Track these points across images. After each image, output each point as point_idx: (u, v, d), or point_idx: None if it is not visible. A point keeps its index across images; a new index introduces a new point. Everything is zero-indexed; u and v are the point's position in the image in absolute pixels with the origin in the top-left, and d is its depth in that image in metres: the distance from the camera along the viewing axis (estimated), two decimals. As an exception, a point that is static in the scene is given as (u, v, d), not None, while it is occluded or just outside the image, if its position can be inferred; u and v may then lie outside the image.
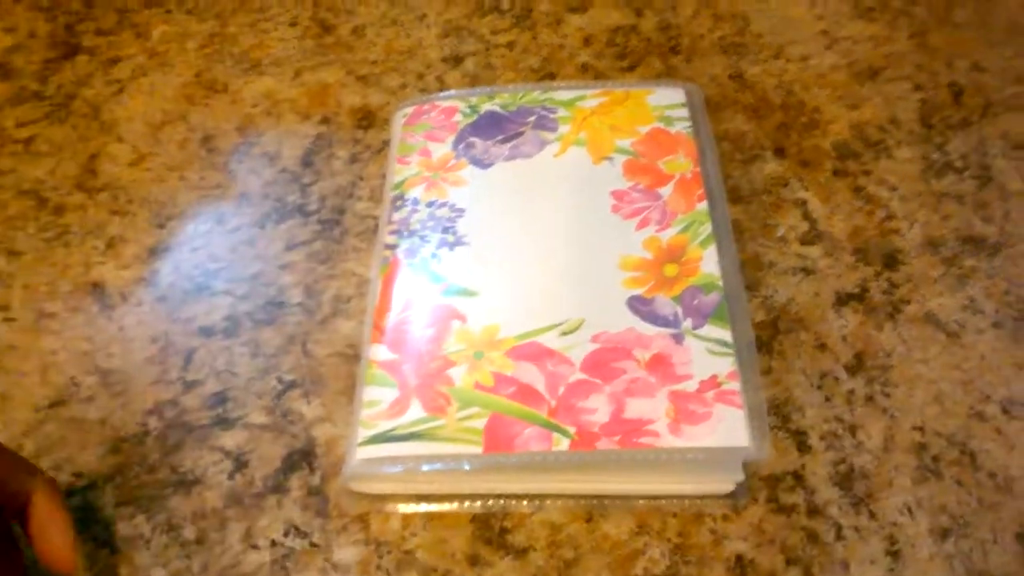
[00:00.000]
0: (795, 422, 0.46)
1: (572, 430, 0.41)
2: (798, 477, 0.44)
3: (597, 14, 0.67)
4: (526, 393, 0.42)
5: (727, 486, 0.43)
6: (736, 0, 0.68)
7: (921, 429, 0.46)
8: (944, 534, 0.42)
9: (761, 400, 0.41)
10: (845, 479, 0.44)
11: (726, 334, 0.43)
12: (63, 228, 0.55)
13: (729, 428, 0.40)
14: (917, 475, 0.44)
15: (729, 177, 0.56)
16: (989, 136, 0.58)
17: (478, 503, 0.43)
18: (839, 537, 0.42)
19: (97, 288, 0.52)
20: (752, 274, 0.51)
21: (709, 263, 0.46)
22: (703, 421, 0.41)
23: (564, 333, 0.44)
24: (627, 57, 0.64)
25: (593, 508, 0.43)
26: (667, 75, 0.62)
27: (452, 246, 0.48)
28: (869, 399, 0.47)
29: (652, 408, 0.41)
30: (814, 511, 0.43)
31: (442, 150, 0.53)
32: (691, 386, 0.42)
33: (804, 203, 0.55)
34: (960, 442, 0.45)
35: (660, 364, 0.43)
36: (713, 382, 0.42)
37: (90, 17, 0.69)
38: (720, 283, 0.45)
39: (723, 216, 0.48)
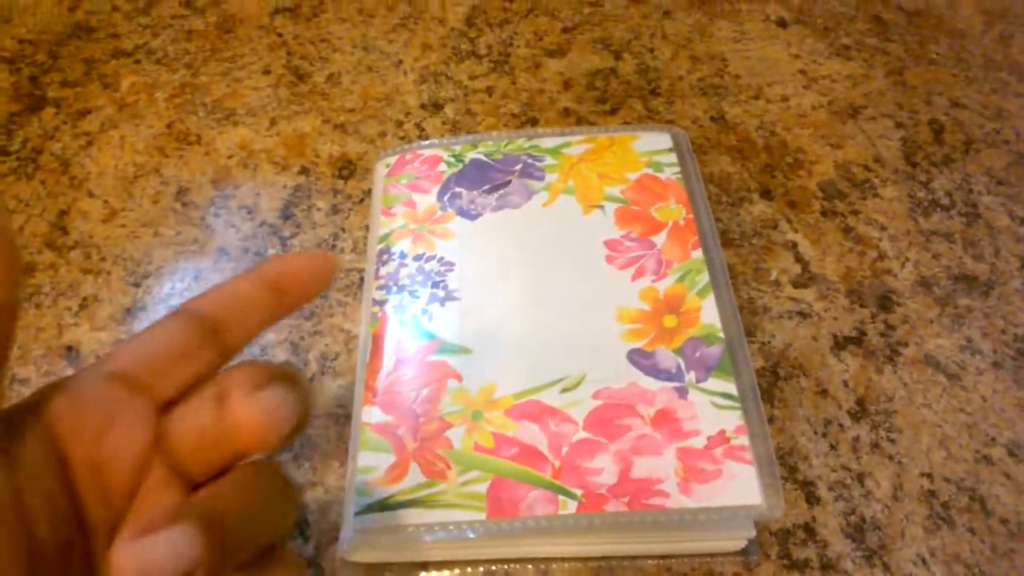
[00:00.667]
0: (802, 472, 0.45)
1: (579, 492, 0.39)
2: (809, 530, 0.43)
3: (576, 58, 0.66)
4: (529, 454, 0.41)
5: (739, 543, 0.41)
6: (713, 42, 0.67)
7: (929, 475, 0.45)
8: (960, 585, 0.41)
9: (771, 454, 0.40)
10: (856, 531, 0.43)
11: (731, 387, 0.42)
12: (34, 289, 0.53)
13: (741, 486, 0.39)
14: (929, 524, 0.43)
15: (718, 220, 0.55)
16: (973, 173, 0.58)
17: (481, 569, 0.42)
18: (854, 592, 0.41)
19: (71, 352, 0.50)
20: (748, 319, 0.50)
21: (709, 313, 0.45)
22: (714, 479, 0.39)
23: (565, 390, 0.43)
24: (608, 101, 0.63)
25: (601, 570, 0.42)
26: (648, 117, 0.62)
27: (443, 301, 0.47)
28: (875, 446, 0.46)
29: (660, 467, 0.40)
30: (827, 566, 0.42)
31: (427, 201, 0.52)
32: (699, 442, 0.41)
33: (795, 245, 0.54)
34: (969, 488, 0.44)
35: (666, 420, 0.41)
36: (721, 437, 0.41)
37: (55, 68, 0.67)
38: (721, 334, 0.44)
39: (719, 263, 0.47)
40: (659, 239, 0.48)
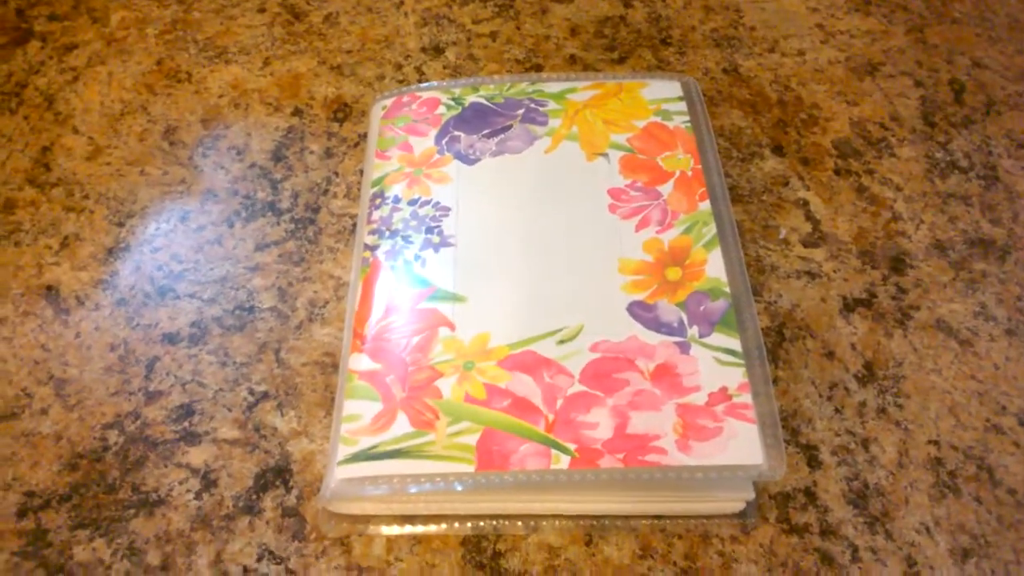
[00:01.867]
0: (805, 435, 0.43)
1: (572, 447, 0.38)
2: (810, 495, 0.41)
3: (584, 4, 0.64)
4: (521, 406, 0.39)
5: (736, 505, 0.40)
6: (727, -8, 0.65)
7: (936, 443, 0.43)
8: (965, 555, 0.40)
9: (775, 414, 0.38)
10: (859, 497, 0.41)
11: (735, 343, 0.41)
12: (13, 226, 0.51)
13: (742, 445, 0.37)
14: (934, 492, 0.42)
15: (727, 175, 0.53)
16: (993, 135, 0.56)
17: (469, 525, 0.40)
18: (855, 559, 0.40)
19: (51, 291, 0.48)
20: (755, 278, 0.48)
21: (714, 267, 0.43)
22: (714, 437, 0.38)
23: (561, 341, 0.41)
24: (616, 49, 0.61)
25: (593, 529, 0.40)
26: (658, 68, 0.59)
27: (437, 247, 0.45)
28: (882, 411, 0.44)
29: (658, 423, 0.38)
30: (828, 531, 0.40)
31: (424, 144, 0.50)
32: (699, 399, 0.39)
33: (806, 203, 0.52)
34: (977, 456, 0.43)
35: (665, 375, 0.40)
36: (723, 394, 0.39)
37: (43, 1, 0.64)
38: (727, 288, 0.42)
39: (727, 216, 0.45)
40: (665, 189, 0.46)
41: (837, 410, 0.44)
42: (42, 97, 0.58)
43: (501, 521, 0.40)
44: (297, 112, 0.57)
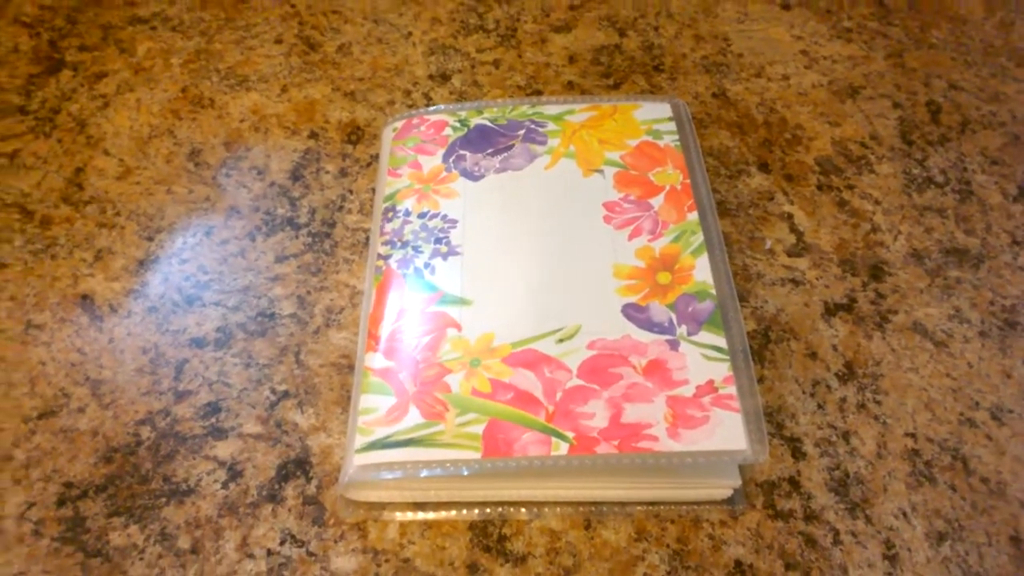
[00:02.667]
0: (789, 429, 0.46)
1: (571, 435, 0.41)
2: (794, 483, 0.44)
3: (581, 34, 0.68)
4: (524, 399, 0.42)
5: (724, 492, 0.43)
6: (717, 22, 0.69)
7: (913, 436, 0.46)
8: (940, 538, 0.43)
9: (758, 405, 0.41)
10: (840, 485, 0.44)
11: (720, 340, 0.44)
12: (50, 240, 0.55)
13: (727, 432, 0.41)
14: (911, 480, 0.45)
15: (716, 191, 0.56)
16: (968, 152, 0.60)
17: (476, 511, 0.43)
18: (836, 542, 0.42)
19: (86, 300, 0.52)
20: (742, 285, 0.52)
21: (702, 271, 0.46)
22: (701, 425, 0.41)
23: (560, 340, 0.44)
24: (612, 75, 0.64)
25: (591, 515, 0.43)
26: (651, 92, 0.63)
27: (445, 256, 0.48)
28: (861, 406, 0.47)
29: (650, 413, 0.41)
30: (811, 516, 0.43)
31: (433, 163, 0.53)
32: (688, 391, 0.42)
33: (790, 216, 0.56)
34: (952, 448, 0.46)
35: (657, 370, 0.43)
36: (710, 387, 0.42)
37: (74, 33, 0.68)
38: (713, 291, 0.46)
39: (714, 226, 0.49)
40: (656, 201, 0.50)
41: (819, 406, 0.47)
42: (74, 122, 0.62)
43: (506, 507, 0.43)
44: (313, 135, 0.60)
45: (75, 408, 0.47)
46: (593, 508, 0.43)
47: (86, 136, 0.61)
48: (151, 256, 0.54)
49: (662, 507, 0.43)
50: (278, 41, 0.68)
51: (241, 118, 0.62)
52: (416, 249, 0.49)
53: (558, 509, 0.43)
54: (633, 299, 0.46)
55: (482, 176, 0.52)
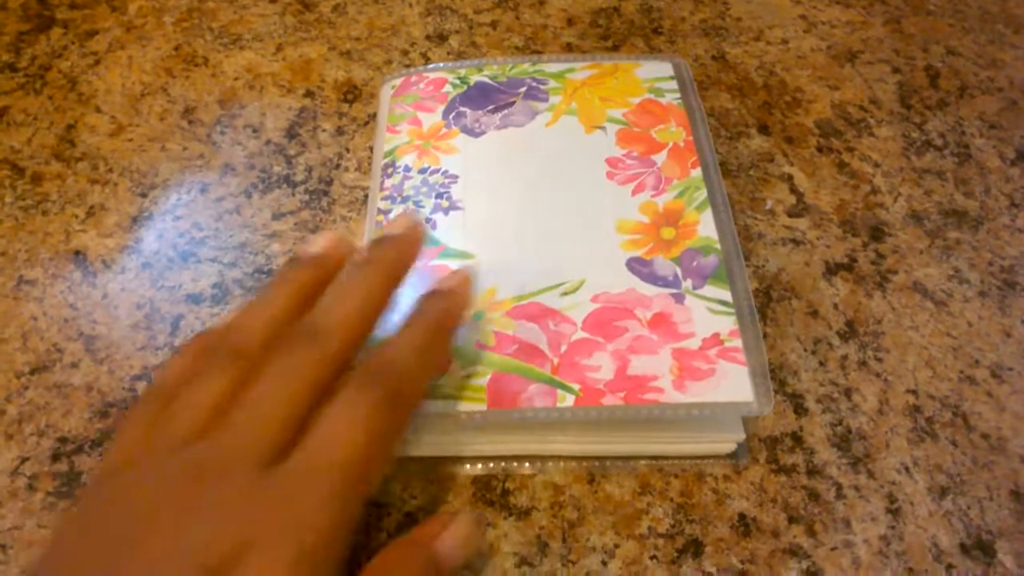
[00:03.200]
0: (791, 386, 0.46)
1: (577, 387, 0.40)
2: (797, 438, 0.44)
3: (579, -4, 0.67)
4: (528, 351, 0.42)
5: (728, 446, 0.43)
6: (715, -14, 0.68)
7: (914, 392, 0.46)
8: (942, 492, 0.43)
9: (763, 358, 0.41)
10: (843, 440, 0.44)
11: (726, 294, 0.44)
12: (41, 196, 0.54)
13: (733, 384, 0.40)
14: (913, 436, 0.45)
15: (716, 152, 0.56)
16: (966, 116, 0.60)
17: (479, 465, 0.43)
18: (839, 496, 0.42)
19: (79, 255, 0.51)
20: (744, 245, 0.51)
21: (706, 227, 0.46)
22: (707, 377, 0.40)
23: (565, 293, 0.44)
24: (610, 38, 0.64)
25: (595, 470, 0.43)
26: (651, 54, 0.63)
27: (446, 211, 0.48)
28: (862, 364, 0.47)
29: (656, 365, 0.41)
30: (814, 471, 0.43)
31: (432, 119, 0.52)
32: (694, 344, 0.42)
33: (790, 178, 0.55)
34: (953, 404, 0.46)
35: (662, 323, 0.43)
36: (715, 340, 0.42)
37: (63, -9, 0.67)
38: (718, 246, 0.45)
39: (717, 183, 0.48)
40: (659, 158, 0.49)
41: (821, 363, 0.47)
42: (65, 79, 0.61)
43: (509, 462, 0.43)
44: (309, 94, 0.60)
45: (68, 363, 0.46)
46: (596, 463, 0.43)
47: (77, 93, 0.60)
48: (145, 213, 0.53)
49: (666, 461, 0.43)
50: (272, 0, 0.67)
51: (235, 76, 0.61)
52: (417, 204, 0.48)
53: (561, 464, 0.43)
54: (637, 253, 0.45)
55: (483, 132, 0.51)
